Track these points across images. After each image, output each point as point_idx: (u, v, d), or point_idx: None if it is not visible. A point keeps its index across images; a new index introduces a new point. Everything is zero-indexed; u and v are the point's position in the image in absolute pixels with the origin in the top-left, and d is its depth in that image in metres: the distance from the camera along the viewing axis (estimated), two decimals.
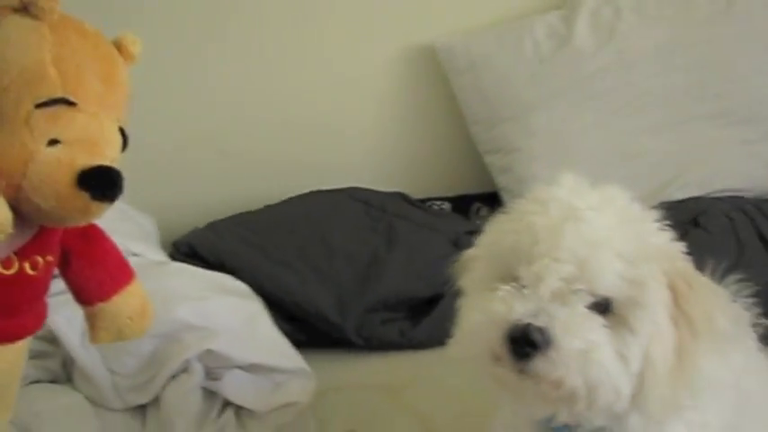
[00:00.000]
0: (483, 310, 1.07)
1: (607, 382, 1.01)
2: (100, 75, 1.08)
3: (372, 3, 2.45)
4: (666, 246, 1.11)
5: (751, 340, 1.48)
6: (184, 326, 1.65)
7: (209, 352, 1.63)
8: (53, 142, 1.02)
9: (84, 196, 0.98)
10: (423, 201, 2.41)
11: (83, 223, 1.08)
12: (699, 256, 1.96)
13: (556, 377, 1.01)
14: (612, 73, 2.28)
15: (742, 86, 2.25)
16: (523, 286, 1.05)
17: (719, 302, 1.11)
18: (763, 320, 1.79)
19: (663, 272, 1.05)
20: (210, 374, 1.67)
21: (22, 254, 1.07)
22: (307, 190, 2.32)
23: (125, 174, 2.24)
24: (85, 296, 1.20)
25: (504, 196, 2.36)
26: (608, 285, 1.02)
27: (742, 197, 2.24)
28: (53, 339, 1.65)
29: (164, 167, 2.46)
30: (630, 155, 2.28)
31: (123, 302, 1.19)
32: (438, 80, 2.45)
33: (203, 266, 1.98)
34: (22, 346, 1.20)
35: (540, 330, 1.00)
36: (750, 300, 1.59)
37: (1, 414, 1.25)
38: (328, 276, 2.04)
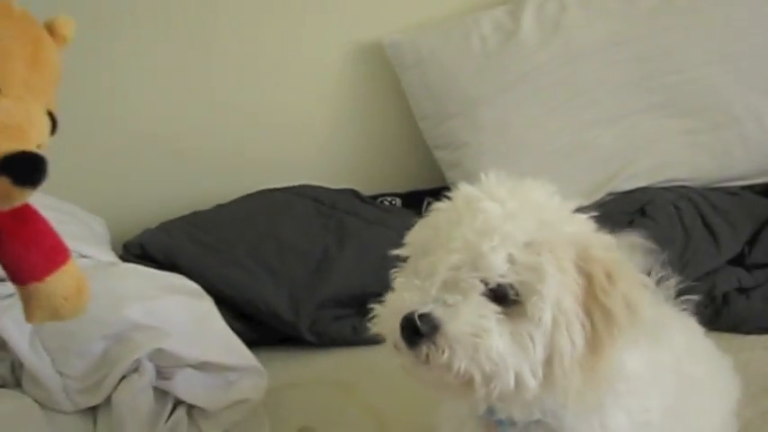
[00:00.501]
0: (384, 304, 1.11)
1: (502, 369, 1.02)
2: (26, 58, 1.07)
3: (320, 0, 2.46)
4: (583, 235, 1.11)
5: (694, 323, 1.51)
6: (134, 325, 1.65)
7: (159, 351, 1.63)
8: None
9: (6, 181, 0.98)
10: (374, 197, 2.42)
11: (6, 208, 1.07)
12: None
13: (443, 362, 1.02)
14: (559, 66, 2.30)
15: (686, 77, 2.28)
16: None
17: (643, 293, 1.10)
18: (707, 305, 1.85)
19: (574, 260, 1.05)
20: (162, 374, 1.66)
21: None
22: (258, 188, 2.32)
23: (74, 174, 2.26)
24: (20, 276, 1.17)
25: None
26: (498, 272, 1.03)
27: (688, 186, 2.27)
28: (1, 344, 1.64)
29: (114, 168, 2.45)
30: (578, 147, 2.30)
31: (58, 282, 1.17)
32: (387, 76, 2.45)
33: (155, 267, 1.97)
34: None
35: (425, 317, 1.03)
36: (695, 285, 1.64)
37: None
38: (280, 274, 2.04)
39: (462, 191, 1.13)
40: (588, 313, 1.05)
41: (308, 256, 2.08)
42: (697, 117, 2.30)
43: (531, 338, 1.03)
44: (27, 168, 0.99)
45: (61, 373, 1.62)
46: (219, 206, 2.29)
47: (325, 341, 2.00)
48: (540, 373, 1.04)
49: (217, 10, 2.40)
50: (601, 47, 2.30)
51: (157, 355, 1.63)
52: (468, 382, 1.04)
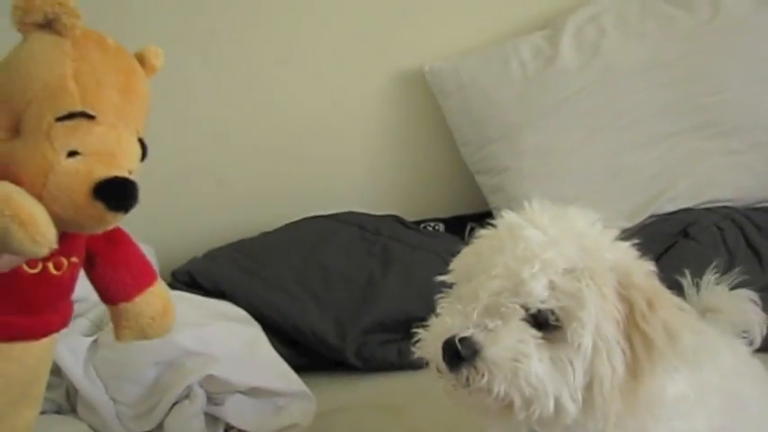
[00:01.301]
0: (428, 328, 1.13)
1: (541, 393, 1.03)
2: (119, 87, 1.11)
3: (361, 30, 2.50)
4: (624, 262, 1.12)
5: (740, 344, 1.51)
6: (185, 352, 1.67)
7: (210, 377, 1.65)
8: (72, 154, 1.04)
9: (100, 206, 1.01)
10: (417, 223, 2.44)
11: (99, 231, 1.11)
12: (689, 265, 2.00)
13: (483, 385, 1.04)
14: (598, 90, 2.31)
15: (725, 98, 2.28)
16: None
17: (685, 320, 1.11)
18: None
19: (615, 287, 1.07)
20: (212, 400, 1.68)
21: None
22: (302, 216, 2.34)
23: None
24: (109, 296, 1.22)
25: (498, 215, 2.38)
26: (538, 298, 1.05)
27: (731, 207, 2.27)
28: (56, 370, 1.66)
29: (162, 197, 2.47)
30: (619, 170, 2.31)
31: (146, 303, 1.22)
32: (428, 103, 2.48)
33: (202, 294, 2.00)
34: (48, 343, 1.22)
35: (466, 341, 1.05)
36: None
37: (30, 410, 1.27)
38: (326, 300, 2.06)
39: (506, 218, 1.16)
40: (629, 340, 1.06)
41: (353, 282, 2.10)
42: (737, 137, 2.30)
43: (571, 364, 1.04)
44: (119, 194, 1.03)
45: (114, 400, 1.66)
46: (265, 234, 2.32)
47: (372, 366, 2.01)
48: (579, 398, 1.05)
49: (261, 40, 2.45)
50: (640, 69, 2.31)
51: (208, 381, 1.66)
52: (509, 406, 1.06)
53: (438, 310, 1.15)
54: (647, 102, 2.31)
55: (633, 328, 1.06)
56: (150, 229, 2.37)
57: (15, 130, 1.04)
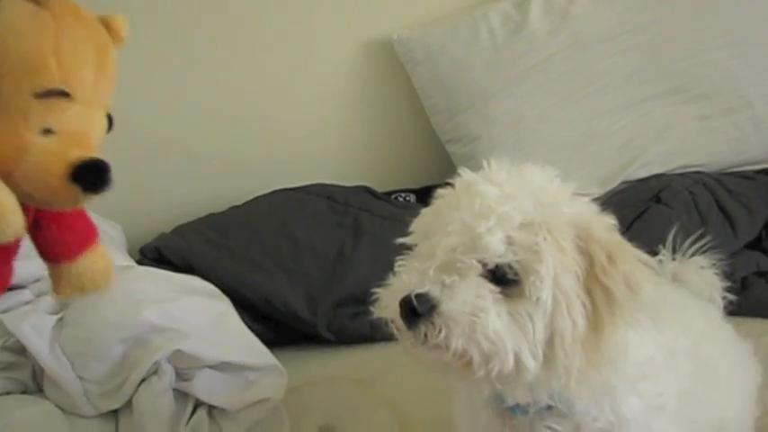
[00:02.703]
0: (385, 287, 1.13)
1: (500, 348, 1.02)
2: (94, 64, 1.08)
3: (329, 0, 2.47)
4: (583, 216, 1.10)
5: (713, 308, 1.51)
6: (152, 328, 1.64)
7: (178, 353, 1.63)
8: (46, 132, 1.02)
9: (76, 189, 0.99)
10: (388, 194, 2.42)
11: (68, 210, 1.09)
12: (662, 230, 2.00)
13: (440, 341, 1.03)
14: (568, 57, 2.30)
15: (697, 62, 2.28)
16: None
17: (645, 273, 1.10)
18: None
19: (574, 240, 1.06)
20: (181, 375, 1.66)
21: None
22: (272, 189, 2.32)
23: None
24: (52, 256, 1.19)
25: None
26: (495, 253, 1.03)
27: (703, 172, 2.27)
28: (22, 350, 1.65)
29: (129, 173, 2.41)
30: (591, 137, 2.30)
31: (89, 261, 1.20)
32: (397, 73, 2.46)
33: (171, 270, 1.98)
34: None
35: (422, 297, 1.04)
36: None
37: None
38: (296, 273, 2.05)
39: (463, 177, 1.16)
40: (589, 293, 1.05)
41: (324, 255, 2.08)
42: (709, 102, 2.29)
43: (531, 318, 1.03)
44: (96, 177, 1.00)
45: (81, 378, 1.62)
46: (234, 208, 2.29)
47: (343, 339, 2.00)
48: (540, 353, 1.04)
49: (226, 11, 2.41)
50: (610, 35, 2.30)
51: (176, 356, 1.63)
52: (468, 363, 1.04)
53: (396, 269, 1.14)
54: (618, 67, 2.30)
55: (593, 281, 1.05)
56: (117, 206, 2.33)
57: None
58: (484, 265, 1.04)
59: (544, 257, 1.03)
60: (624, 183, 2.26)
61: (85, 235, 1.20)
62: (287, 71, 2.48)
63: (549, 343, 1.04)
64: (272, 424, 1.69)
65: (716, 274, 1.64)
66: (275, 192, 2.31)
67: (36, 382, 1.69)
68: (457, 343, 1.02)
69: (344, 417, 1.76)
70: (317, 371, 1.90)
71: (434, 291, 1.04)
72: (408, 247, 1.17)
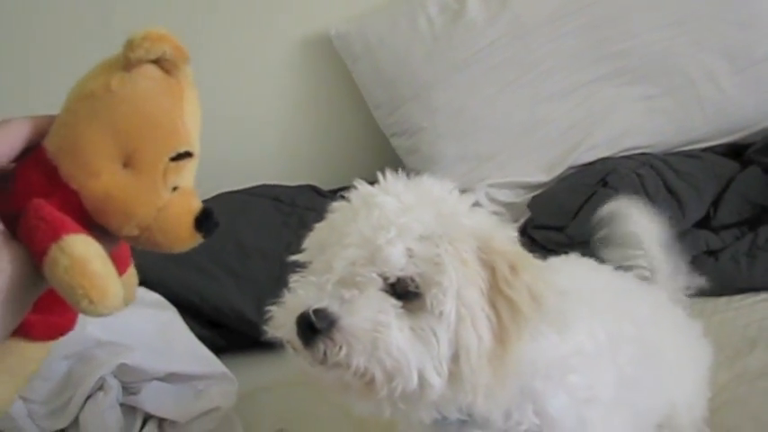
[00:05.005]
0: (280, 304, 1.07)
1: (403, 365, 0.98)
2: (199, 120, 1.09)
3: None
4: (483, 227, 1.06)
5: (659, 292, 1.49)
6: (95, 343, 1.61)
7: (123, 366, 1.59)
8: (174, 188, 1.02)
9: (198, 236, 0.99)
10: (334, 191, 2.38)
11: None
12: None
13: (340, 358, 0.98)
14: (508, 43, 2.28)
15: (637, 43, 2.27)
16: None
17: (549, 283, 1.06)
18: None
19: (476, 252, 1.02)
20: (128, 389, 1.62)
21: None
22: (215, 192, 2.28)
23: None
24: None
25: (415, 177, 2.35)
26: (396, 266, 0.99)
27: (649, 153, 2.26)
28: None
29: None
30: (535, 123, 2.29)
31: (130, 276, 1.20)
32: (337, 68, 2.44)
33: None
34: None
35: (321, 312, 0.98)
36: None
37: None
38: (244, 277, 2.02)
39: (359, 189, 1.10)
40: (493, 306, 1.01)
41: (271, 257, 2.05)
42: (652, 82, 2.28)
43: (434, 333, 0.99)
44: (211, 221, 1.01)
45: (25, 399, 1.58)
46: None
47: None
48: (444, 370, 1.00)
49: (156, 10, 2.37)
50: (549, 19, 2.29)
51: (122, 370, 1.60)
52: (369, 382, 1.00)
53: (291, 286, 1.07)
54: (559, 52, 2.29)
55: (497, 293, 1.01)
56: None
57: (124, 163, 1.01)
58: (384, 278, 1.00)
59: (446, 269, 0.99)
60: (571, 168, 2.25)
61: (127, 254, 1.23)
62: (224, 72, 2.44)
63: (455, 359, 1.00)
64: None
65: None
66: (218, 195, 2.27)
67: None
68: (358, 360, 0.98)
69: (299, 422, 1.73)
70: (269, 376, 1.86)
71: (333, 306, 0.99)
72: (302, 265, 1.11)
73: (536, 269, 1.06)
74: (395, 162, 2.40)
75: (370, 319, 0.98)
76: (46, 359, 1.57)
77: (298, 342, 1.01)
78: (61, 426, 1.60)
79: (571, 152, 2.26)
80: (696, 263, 1.93)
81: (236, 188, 2.29)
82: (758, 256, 1.90)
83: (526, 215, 2.17)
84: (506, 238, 1.07)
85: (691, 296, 1.81)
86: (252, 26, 2.42)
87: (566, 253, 1.54)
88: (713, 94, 2.26)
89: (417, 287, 1.00)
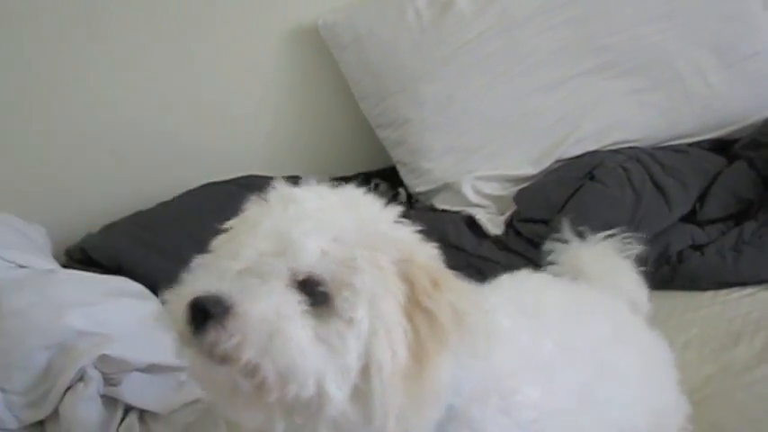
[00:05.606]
0: (176, 289, 0.99)
1: (299, 367, 0.90)
2: None
3: None
4: (405, 240, 1.01)
5: (620, 304, 1.43)
6: (76, 333, 1.59)
7: (104, 357, 1.57)
8: None
9: None
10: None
11: None
12: (596, 208, 1.99)
13: (231, 348, 0.90)
14: (496, 35, 2.27)
15: (626, 37, 2.26)
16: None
17: (472, 303, 0.99)
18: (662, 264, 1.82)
19: (396, 263, 0.96)
20: (109, 380, 1.60)
21: None
22: (202, 182, 2.27)
23: (10, 182, 2.21)
24: None
25: (401, 170, 2.35)
26: (306, 261, 0.93)
27: (636, 147, 2.25)
28: None
29: (52, 173, 2.38)
30: (523, 116, 2.27)
31: None
32: (324, 58, 2.41)
33: (99, 272, 1.93)
34: None
35: (216, 297, 0.91)
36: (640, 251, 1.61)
37: None
38: None
39: (278, 189, 1.05)
40: (411, 320, 0.94)
41: None
42: (640, 76, 2.28)
43: (342, 340, 0.92)
44: None
45: (3, 390, 1.56)
46: (162, 204, 2.23)
47: None
48: (347, 384, 0.92)
49: (149, 6, 2.35)
50: (537, 12, 2.27)
51: (102, 361, 1.57)
52: (260, 385, 0.91)
53: (190, 269, 1.01)
54: (547, 44, 2.28)
55: (415, 307, 0.94)
56: (41, 207, 2.28)
57: None
58: (295, 273, 0.94)
59: (359, 272, 0.93)
60: (558, 161, 2.24)
61: None
62: (212, 63, 2.42)
63: (365, 374, 0.92)
64: (205, 425, 1.63)
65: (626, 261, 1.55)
66: (205, 186, 2.26)
67: None
68: (250, 353, 0.90)
69: None
70: None
71: (232, 291, 0.91)
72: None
73: (460, 287, 1.00)
74: (381, 153, 2.39)
75: (269, 310, 0.91)
76: (25, 350, 1.57)
77: (187, 330, 0.93)
78: (40, 417, 1.58)
79: (559, 145, 2.25)
80: (682, 257, 1.93)
81: (223, 178, 2.28)
82: (744, 251, 1.90)
83: (512, 208, 2.16)
84: (429, 254, 1.02)
85: (676, 290, 1.81)
86: (240, 16, 2.39)
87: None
88: (701, 89, 2.26)
89: (327, 289, 0.94)
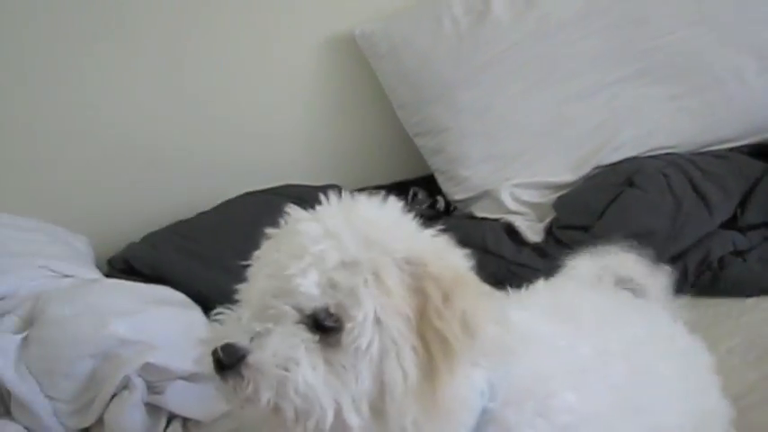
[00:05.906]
0: (203, 339, 1.05)
1: (315, 403, 0.94)
2: None
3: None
4: (419, 252, 1.00)
5: (658, 309, 1.41)
6: (120, 342, 1.61)
7: (148, 365, 1.59)
8: None
9: None
10: (358, 191, 2.38)
11: None
12: (637, 214, 1.98)
13: (248, 394, 0.95)
14: (533, 43, 2.27)
15: (663, 42, 2.25)
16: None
17: (486, 312, 0.99)
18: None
19: (406, 280, 0.97)
20: (153, 389, 1.62)
21: None
22: (239, 193, 2.29)
23: (54, 193, 2.25)
24: None
25: (439, 178, 2.35)
26: (308, 297, 0.95)
27: (675, 153, 2.23)
28: None
29: (94, 183, 2.41)
30: (561, 123, 2.27)
31: None
32: (361, 68, 2.43)
33: (141, 281, 1.95)
34: None
35: (230, 348, 0.96)
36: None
37: None
38: None
39: (291, 213, 1.07)
40: (422, 337, 0.95)
41: None
42: (678, 82, 2.26)
43: (353, 369, 0.94)
44: None
45: (50, 398, 1.59)
46: (202, 213, 2.26)
47: None
48: (365, 408, 0.95)
49: (187, 17, 2.37)
50: (575, 19, 2.27)
51: (146, 369, 1.59)
52: (283, 420, 0.96)
53: (213, 318, 1.06)
54: (585, 51, 2.27)
55: (427, 324, 0.95)
56: (83, 217, 2.31)
57: None
58: (300, 310, 0.96)
59: (362, 301, 0.95)
60: (597, 168, 2.23)
61: None
62: (250, 73, 2.44)
63: (380, 396, 0.95)
64: None
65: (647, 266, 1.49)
66: (243, 195, 2.28)
67: (4, 405, 1.64)
68: (267, 397, 0.95)
69: None
70: None
71: (243, 341, 0.96)
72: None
73: (475, 296, 1.00)
74: (419, 162, 2.40)
75: (279, 355, 0.95)
76: (70, 358, 1.59)
77: (215, 376, 0.99)
78: (86, 424, 1.60)
79: (597, 152, 2.24)
80: (723, 263, 1.92)
81: (261, 188, 2.30)
82: None
83: (551, 215, 2.16)
84: (447, 262, 1.02)
85: (719, 296, 1.79)
86: (277, 26, 2.42)
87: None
88: (740, 93, 2.24)
89: (336, 320, 0.96)
